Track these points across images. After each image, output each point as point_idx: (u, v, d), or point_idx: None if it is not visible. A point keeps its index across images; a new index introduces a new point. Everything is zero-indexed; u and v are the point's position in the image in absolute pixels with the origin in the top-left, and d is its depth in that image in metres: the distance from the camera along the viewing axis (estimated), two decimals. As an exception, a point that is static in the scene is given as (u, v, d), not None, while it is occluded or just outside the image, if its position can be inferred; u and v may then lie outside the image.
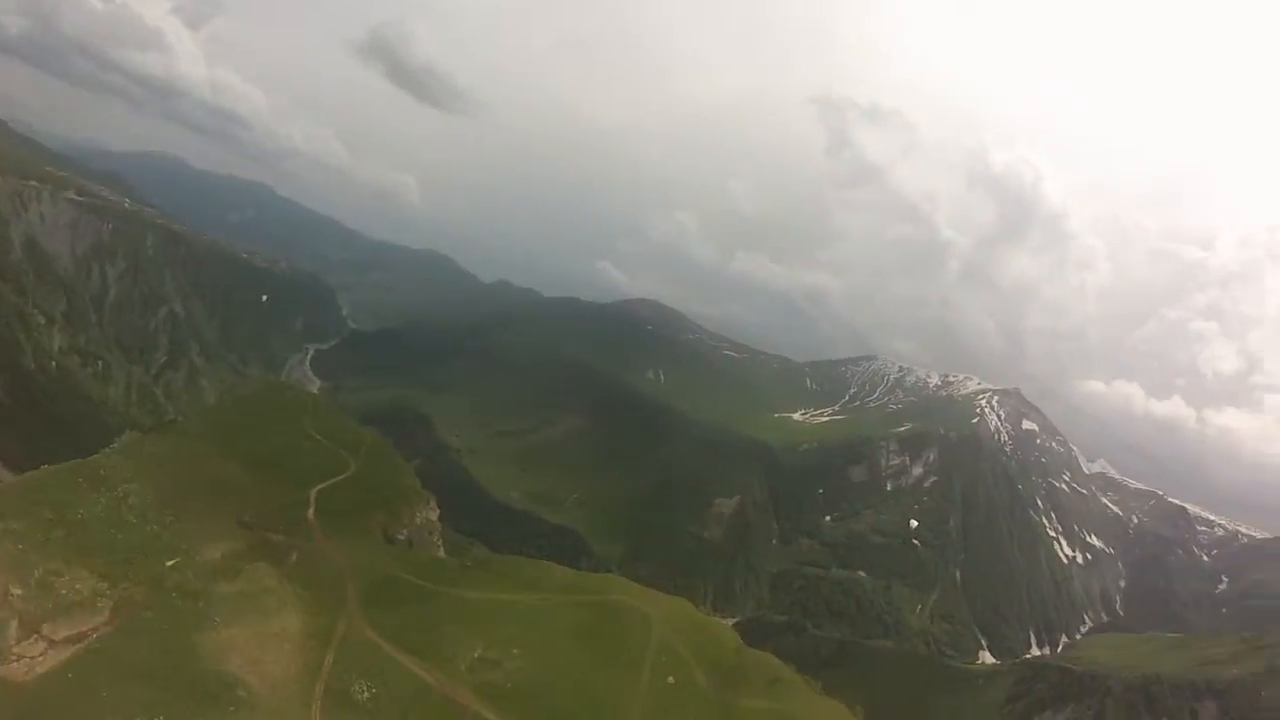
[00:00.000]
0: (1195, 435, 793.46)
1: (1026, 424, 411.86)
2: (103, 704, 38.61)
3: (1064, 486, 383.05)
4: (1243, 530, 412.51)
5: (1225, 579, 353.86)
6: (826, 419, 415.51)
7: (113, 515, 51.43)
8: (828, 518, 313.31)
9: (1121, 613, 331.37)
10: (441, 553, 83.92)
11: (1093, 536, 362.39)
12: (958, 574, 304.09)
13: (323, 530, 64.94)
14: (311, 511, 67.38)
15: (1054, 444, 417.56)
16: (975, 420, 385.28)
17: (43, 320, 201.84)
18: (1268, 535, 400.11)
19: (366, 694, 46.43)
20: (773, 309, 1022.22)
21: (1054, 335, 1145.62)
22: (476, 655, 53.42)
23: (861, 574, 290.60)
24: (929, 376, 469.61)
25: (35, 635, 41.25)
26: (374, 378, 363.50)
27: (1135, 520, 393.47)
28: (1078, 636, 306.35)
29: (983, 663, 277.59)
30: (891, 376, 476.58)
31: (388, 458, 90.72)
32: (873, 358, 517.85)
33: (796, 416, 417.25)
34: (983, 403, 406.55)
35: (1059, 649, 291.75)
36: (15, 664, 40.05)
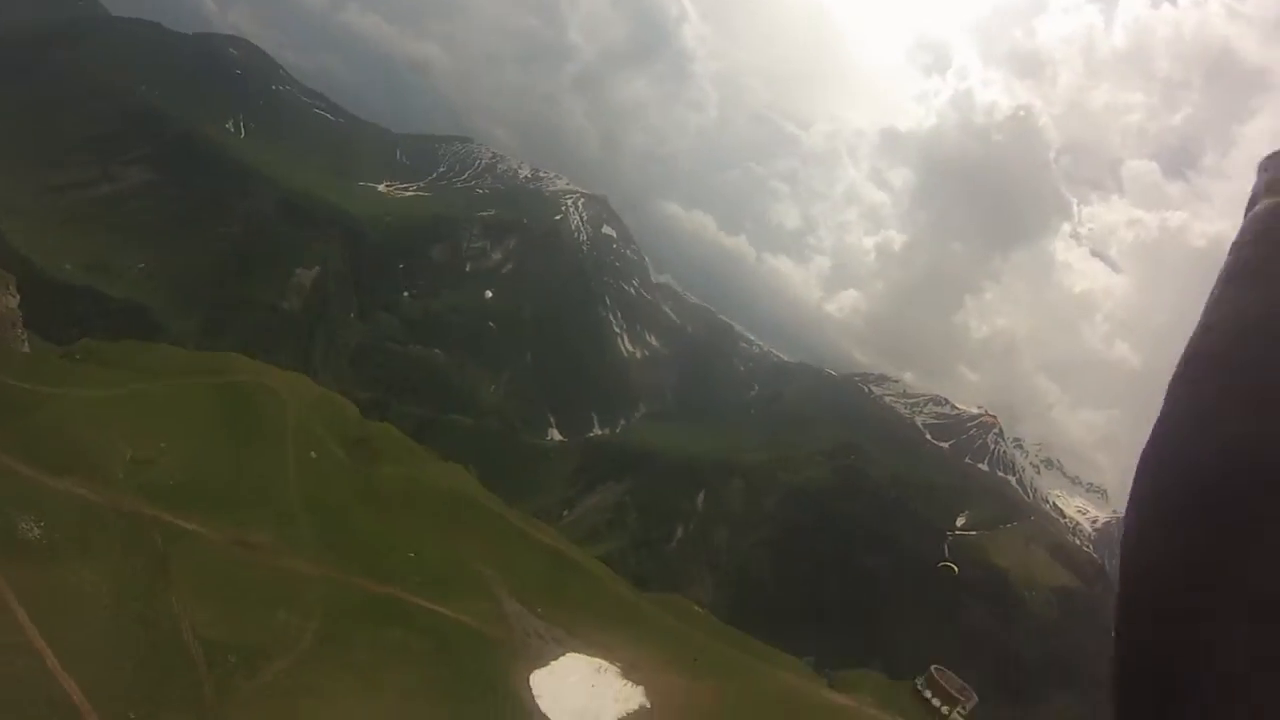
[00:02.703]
0: (752, 270, 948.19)
1: (606, 229, 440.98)
2: None
3: (632, 290, 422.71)
4: (775, 352, 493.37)
5: (756, 387, 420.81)
6: (412, 194, 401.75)
7: None
8: (407, 294, 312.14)
9: (671, 404, 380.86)
10: (27, 346, 69.63)
11: (652, 337, 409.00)
12: (529, 356, 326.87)
13: None
14: None
15: (629, 252, 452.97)
16: (559, 217, 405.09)
17: None
18: (793, 359, 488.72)
19: (36, 531, 39.77)
20: (374, 71, 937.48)
21: (649, 157, 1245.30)
22: (128, 458, 48.38)
23: (438, 351, 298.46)
24: (520, 168, 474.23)
25: None
26: None
27: (689, 329, 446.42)
28: (634, 420, 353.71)
29: (552, 439, 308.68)
30: (484, 161, 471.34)
31: None
32: (468, 140, 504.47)
33: (381, 188, 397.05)
34: (569, 202, 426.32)
35: (618, 430, 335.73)
36: None
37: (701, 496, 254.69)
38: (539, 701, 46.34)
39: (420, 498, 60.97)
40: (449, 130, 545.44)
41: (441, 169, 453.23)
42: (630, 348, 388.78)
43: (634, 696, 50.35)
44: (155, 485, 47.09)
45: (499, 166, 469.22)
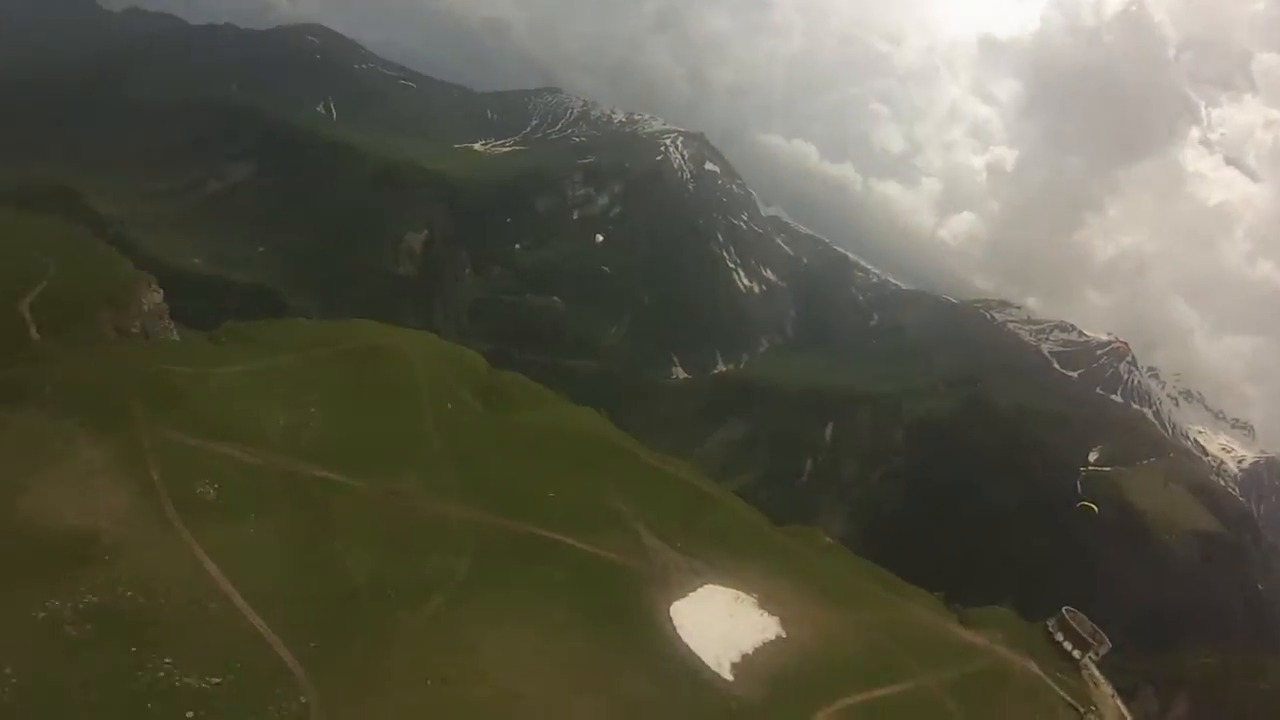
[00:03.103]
0: (859, 198, 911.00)
1: (709, 165, 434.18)
2: None
3: (742, 225, 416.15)
4: (891, 279, 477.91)
5: (876, 316, 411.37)
6: (509, 150, 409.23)
7: None
8: (518, 246, 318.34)
9: (792, 336, 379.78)
10: (176, 335, 75.80)
11: (768, 270, 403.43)
12: (647, 298, 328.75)
13: (56, 348, 56.57)
14: (34, 330, 58.02)
15: (734, 186, 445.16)
16: (659, 158, 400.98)
17: None
18: (910, 287, 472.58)
19: (214, 493, 44.24)
20: (450, 38, 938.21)
21: (739, 90, 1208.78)
22: (281, 424, 52.62)
23: (555, 299, 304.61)
24: (613, 113, 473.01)
25: None
26: None
27: (804, 260, 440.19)
28: (758, 355, 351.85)
29: (677, 377, 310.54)
30: (575, 110, 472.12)
31: (84, 246, 78.94)
32: (556, 90, 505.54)
33: (477, 148, 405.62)
34: (667, 142, 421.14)
35: (742, 364, 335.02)
36: None
37: (829, 429, 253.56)
38: (680, 630, 47.83)
39: (555, 440, 63.28)
40: (535, 85, 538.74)
41: (534, 122, 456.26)
42: (747, 282, 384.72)
43: (770, 626, 51.31)
44: (308, 446, 51.19)
45: (592, 113, 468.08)
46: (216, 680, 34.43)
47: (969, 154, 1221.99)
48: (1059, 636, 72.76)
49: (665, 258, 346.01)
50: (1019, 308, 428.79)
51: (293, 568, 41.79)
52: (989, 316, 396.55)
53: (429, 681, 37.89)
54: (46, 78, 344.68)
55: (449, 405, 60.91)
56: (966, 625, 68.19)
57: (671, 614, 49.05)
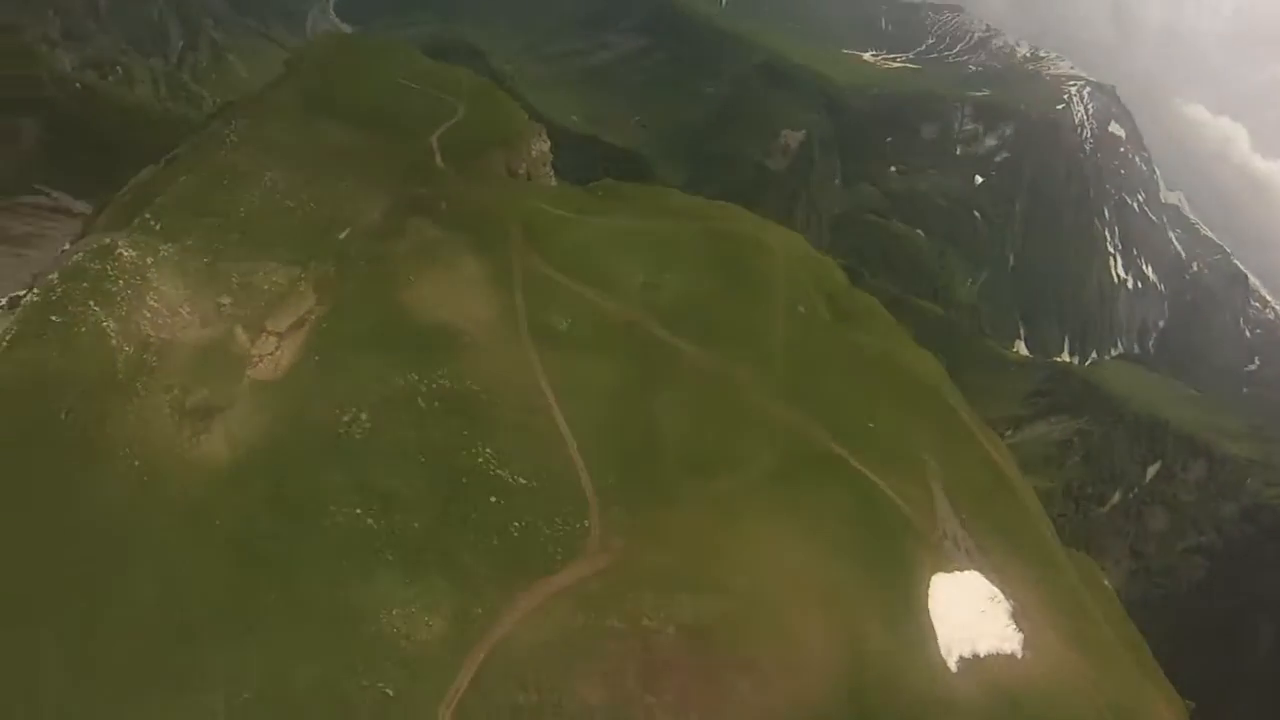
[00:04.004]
0: None
1: (1114, 128, 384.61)
2: (357, 374, 42.01)
3: (1135, 206, 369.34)
4: None
5: (1258, 361, 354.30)
6: (899, 65, 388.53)
7: (271, 204, 50.67)
8: (893, 169, 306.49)
9: (1152, 350, 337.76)
10: (554, 183, 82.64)
11: (1148, 267, 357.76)
12: (1011, 257, 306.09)
13: (455, 174, 64.01)
14: (439, 159, 65.45)
15: (1137, 159, 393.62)
16: (1060, 107, 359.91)
17: (45, 47, 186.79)
18: None
19: (565, 325, 49.70)
20: None
21: (1171, 42, 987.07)
22: (640, 281, 56.37)
23: (919, 233, 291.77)
24: (1018, 45, 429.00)
25: (263, 333, 43.04)
26: (406, 15, 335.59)
27: (1195, 267, 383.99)
28: (1107, 357, 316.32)
29: (1017, 352, 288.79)
30: (976, 35, 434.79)
31: (489, 94, 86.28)
32: (958, 9, 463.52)
33: (867, 57, 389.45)
34: (1072, 90, 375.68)
35: (1088, 361, 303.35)
36: (260, 365, 42.21)
37: (1154, 469, 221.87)
38: (930, 601, 46.57)
39: (891, 374, 61.81)
40: None
41: (930, 40, 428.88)
42: (1122, 273, 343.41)
43: (1013, 641, 47.97)
44: (657, 306, 54.59)
45: (993, 42, 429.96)
46: (522, 480, 39.91)
47: None
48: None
49: (1042, 220, 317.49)
50: None
51: (614, 409, 46.09)
52: None
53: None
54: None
55: (800, 309, 61.04)
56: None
57: (930, 582, 47.81)
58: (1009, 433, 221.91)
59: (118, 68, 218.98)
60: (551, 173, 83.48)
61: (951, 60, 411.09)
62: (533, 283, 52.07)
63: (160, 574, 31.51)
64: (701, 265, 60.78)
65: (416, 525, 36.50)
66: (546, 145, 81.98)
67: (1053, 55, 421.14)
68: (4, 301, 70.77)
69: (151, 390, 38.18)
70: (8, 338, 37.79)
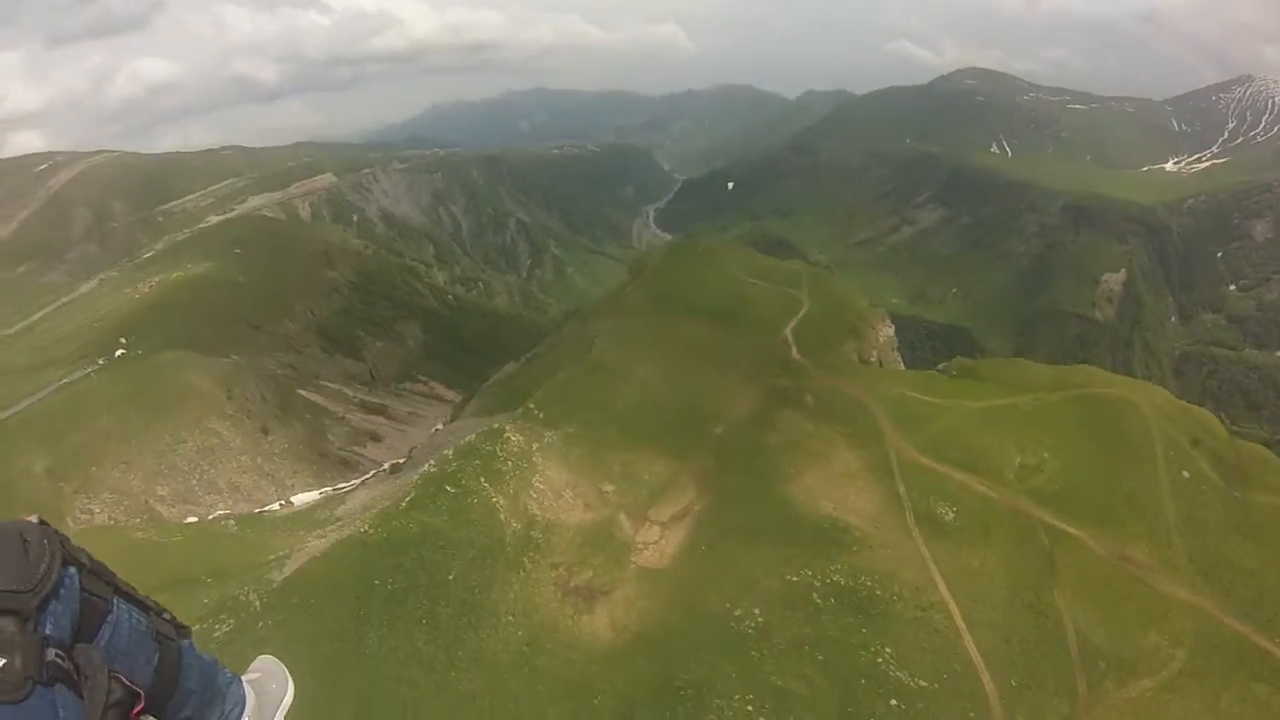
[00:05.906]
0: None
1: None
2: (746, 567, 43.26)
3: None
4: None
5: None
6: (1207, 165, 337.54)
7: (644, 398, 55.76)
8: (1231, 287, 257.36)
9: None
10: (903, 366, 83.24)
11: None
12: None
13: (812, 367, 66.81)
14: (795, 351, 69.09)
15: None
16: None
17: (423, 268, 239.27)
18: None
19: (951, 515, 48.67)
20: (1100, 43, 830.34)
21: None
22: (1017, 463, 54.31)
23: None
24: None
25: (646, 521, 45.91)
26: (718, 220, 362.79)
27: None
28: None
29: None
30: (1278, 99, 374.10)
31: (828, 285, 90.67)
32: (1248, 78, 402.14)
33: (1169, 167, 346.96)
34: None
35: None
36: (644, 552, 44.71)
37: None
38: None
39: None
40: (1217, 75, 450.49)
41: (1231, 125, 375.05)
42: None
43: None
44: (1040, 489, 52.13)
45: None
46: (923, 683, 38.47)
47: None
48: None
49: None
50: None
51: (1011, 605, 43.80)
52: None
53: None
54: (752, 157, 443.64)
55: (1185, 473, 55.48)
56: None
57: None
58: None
59: (480, 283, 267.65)
60: (899, 358, 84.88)
61: (1261, 139, 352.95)
62: (910, 472, 51.98)
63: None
64: (1074, 437, 57.72)
65: (811, 726, 35.65)
66: (891, 330, 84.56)
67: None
68: (387, 466, 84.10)
69: (538, 566, 42.43)
70: (406, 500, 44.61)
